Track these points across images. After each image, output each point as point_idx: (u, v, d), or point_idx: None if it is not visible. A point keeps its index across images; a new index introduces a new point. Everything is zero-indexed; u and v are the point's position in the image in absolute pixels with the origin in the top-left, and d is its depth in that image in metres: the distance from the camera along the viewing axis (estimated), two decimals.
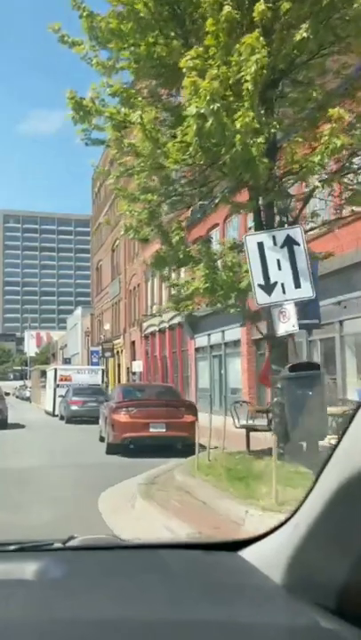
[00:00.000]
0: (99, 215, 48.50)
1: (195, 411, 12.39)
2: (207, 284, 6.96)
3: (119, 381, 39.12)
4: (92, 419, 21.68)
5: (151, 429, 11.76)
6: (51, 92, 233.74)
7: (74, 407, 22.17)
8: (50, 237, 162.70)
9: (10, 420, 21.75)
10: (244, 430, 9.98)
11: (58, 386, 27.64)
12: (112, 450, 12.15)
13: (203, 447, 12.00)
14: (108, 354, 40.71)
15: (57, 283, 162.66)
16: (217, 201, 7.52)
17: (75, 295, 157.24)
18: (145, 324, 32.52)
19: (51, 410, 28.09)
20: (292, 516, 1.26)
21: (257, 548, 1.38)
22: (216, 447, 9.57)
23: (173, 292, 8.99)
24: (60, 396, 25.22)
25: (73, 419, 21.96)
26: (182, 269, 10.19)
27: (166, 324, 28.52)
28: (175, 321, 27.13)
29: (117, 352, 40.36)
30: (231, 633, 1.04)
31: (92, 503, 7.19)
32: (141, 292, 33.96)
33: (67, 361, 50.78)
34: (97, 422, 21.89)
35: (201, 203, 10.02)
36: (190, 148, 6.44)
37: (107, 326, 43.00)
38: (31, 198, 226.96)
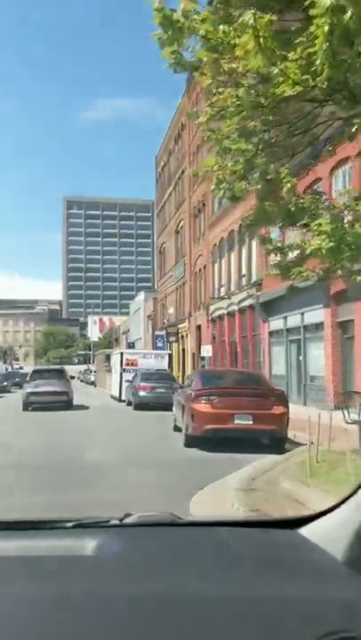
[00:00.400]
0: (162, 197, 47.24)
1: (285, 401, 10.85)
2: (332, 243, 5.39)
3: (184, 367, 37.98)
4: (160, 405, 20.61)
5: (236, 421, 10.32)
6: (114, 81, 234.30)
7: (142, 393, 21.07)
8: (112, 223, 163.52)
9: (76, 404, 21.08)
10: (333, 422, 8.41)
11: (124, 370, 26.70)
12: (191, 442, 10.82)
13: (294, 443, 10.54)
14: (172, 338, 39.62)
15: (119, 268, 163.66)
16: (354, 129, 5.89)
17: (136, 281, 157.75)
18: (212, 307, 31.06)
19: (117, 395, 27.22)
20: (351, 495, 1.28)
21: (317, 525, 1.38)
22: (307, 444, 7.98)
23: (280, 256, 7.38)
24: (126, 381, 24.22)
25: (141, 405, 20.88)
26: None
27: (236, 307, 26.96)
28: (246, 303, 25.52)
29: (182, 336, 39.18)
30: (291, 608, 1.03)
31: (183, 511, 5.84)
32: (208, 274, 32.48)
33: (130, 345, 50.18)
34: (166, 409, 20.83)
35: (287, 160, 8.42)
36: (317, 62, 4.87)
37: (171, 310, 41.86)
38: (93, 185, 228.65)
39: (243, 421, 10.33)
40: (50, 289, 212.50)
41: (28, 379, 23.83)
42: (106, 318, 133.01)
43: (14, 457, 9.42)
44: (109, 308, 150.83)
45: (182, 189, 39.87)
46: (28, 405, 20.56)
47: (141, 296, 56.68)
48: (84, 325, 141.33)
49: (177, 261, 41.06)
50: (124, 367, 26.72)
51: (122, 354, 27.42)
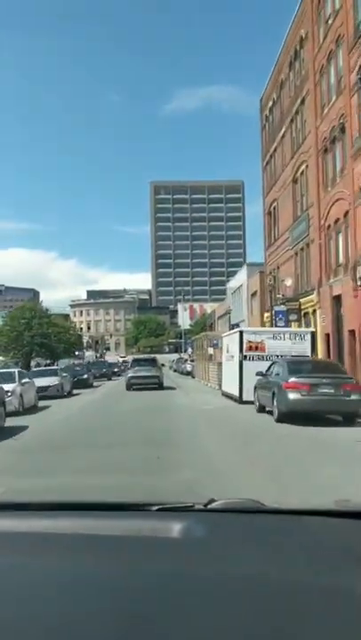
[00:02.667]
0: (270, 144, 37.66)
1: None
2: None
3: (313, 351, 28.42)
4: (322, 414, 11.74)
5: None
6: (194, 70, 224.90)
7: (294, 395, 12.01)
8: (200, 207, 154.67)
9: (180, 405, 12.79)
10: None
11: (245, 357, 17.81)
12: None
13: None
14: (292, 316, 30.21)
15: (208, 254, 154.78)
16: None
17: (226, 266, 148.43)
18: None
19: (234, 393, 18.39)
20: None
21: None
22: None
23: None
24: (258, 374, 15.22)
25: (293, 415, 11.90)
26: None
27: None
28: None
29: (305, 314, 29.65)
30: None
31: None
32: (353, 223, 22.68)
33: (234, 327, 41.14)
34: (336, 423, 11.75)
35: None
36: None
37: (288, 282, 32.34)
38: (181, 171, 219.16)
39: None
40: (138, 281, 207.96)
41: (129, 366, 28.54)
42: (196, 305, 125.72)
43: None
44: (199, 294, 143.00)
45: (302, 124, 30.16)
46: (129, 386, 24.99)
47: (243, 271, 47.29)
48: (173, 313, 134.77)
49: (296, 218, 31.45)
50: (245, 353, 17.83)
51: (241, 334, 18.39)
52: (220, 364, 26.12)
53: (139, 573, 1.09)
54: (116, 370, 48.67)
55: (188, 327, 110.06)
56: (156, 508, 1.42)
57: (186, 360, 52.29)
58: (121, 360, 71.79)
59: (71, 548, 1.23)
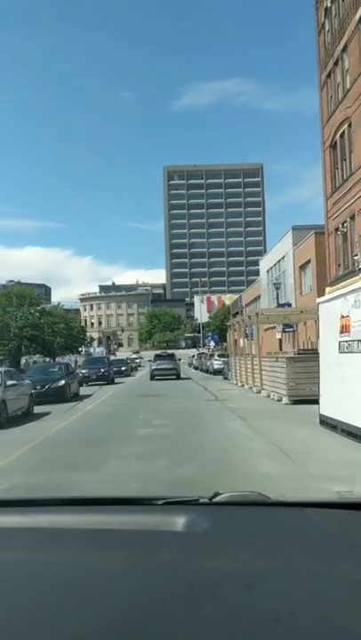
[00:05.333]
0: (333, 49, 25.99)
1: None
2: None
3: None
4: None
5: None
6: (205, 64, 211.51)
7: None
8: (217, 192, 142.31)
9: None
10: None
11: None
12: None
13: None
14: None
15: (225, 242, 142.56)
16: None
17: (245, 255, 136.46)
18: None
19: None
20: None
21: None
22: None
23: None
24: None
25: None
26: None
27: None
28: None
29: None
30: None
31: None
32: None
33: (283, 307, 29.68)
34: None
35: None
36: None
37: None
38: (196, 159, 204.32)
39: None
40: (154, 277, 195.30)
41: (152, 360, 32.39)
42: (214, 297, 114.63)
43: None
44: (217, 286, 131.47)
45: None
46: (153, 377, 29.77)
47: (288, 237, 35.55)
48: (189, 306, 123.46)
49: None
50: None
51: None
52: (292, 361, 14.67)
53: (145, 567, 1.09)
54: (123, 368, 36.96)
55: (207, 320, 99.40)
56: (161, 502, 1.42)
57: (212, 355, 40.69)
58: (131, 356, 60.06)
59: (77, 542, 1.23)
